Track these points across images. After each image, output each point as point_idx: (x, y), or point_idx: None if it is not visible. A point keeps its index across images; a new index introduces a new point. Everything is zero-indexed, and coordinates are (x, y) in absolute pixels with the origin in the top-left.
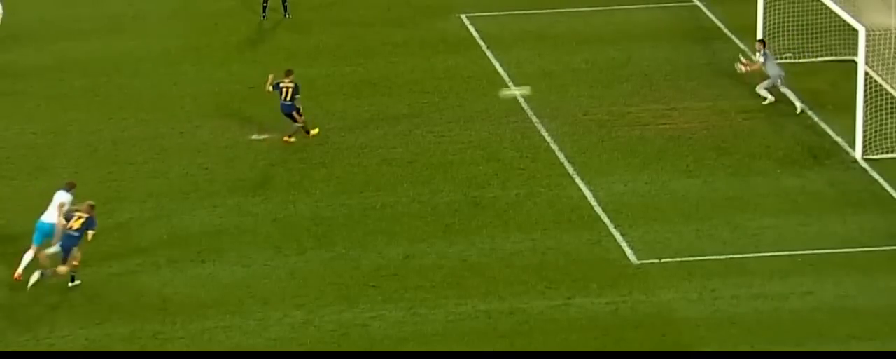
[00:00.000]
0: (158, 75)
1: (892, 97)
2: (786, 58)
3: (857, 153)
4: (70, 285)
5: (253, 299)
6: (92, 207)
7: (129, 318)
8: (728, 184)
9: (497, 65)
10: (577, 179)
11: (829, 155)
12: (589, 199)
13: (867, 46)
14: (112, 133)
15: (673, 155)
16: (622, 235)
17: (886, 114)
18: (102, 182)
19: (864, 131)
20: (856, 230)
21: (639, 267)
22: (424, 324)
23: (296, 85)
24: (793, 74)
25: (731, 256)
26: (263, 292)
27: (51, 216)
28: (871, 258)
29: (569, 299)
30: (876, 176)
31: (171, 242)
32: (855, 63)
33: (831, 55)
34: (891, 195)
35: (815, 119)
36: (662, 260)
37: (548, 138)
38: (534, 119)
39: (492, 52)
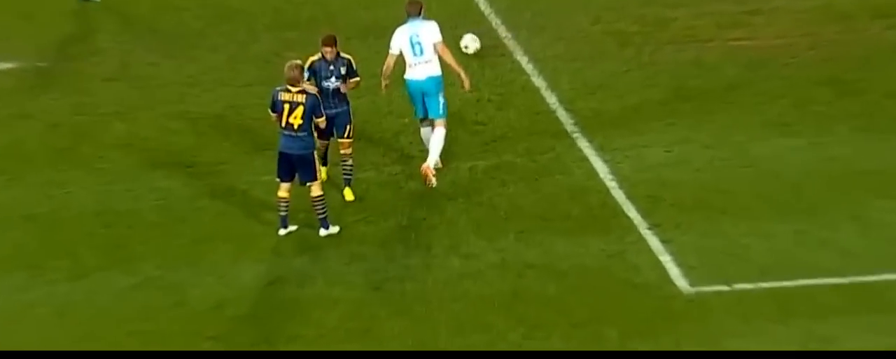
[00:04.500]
0: None
1: None
2: None
3: None
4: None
5: None
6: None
7: None
8: (856, 148)
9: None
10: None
11: None
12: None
13: None
14: None
15: (752, 94)
16: (663, 242)
17: None
18: None
19: None
20: None
21: (691, 298)
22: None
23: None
24: None
25: (858, 279)
26: None
27: None
28: None
29: None
30: None
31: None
32: None
33: None
34: None
35: None
36: (733, 287)
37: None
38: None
39: None
